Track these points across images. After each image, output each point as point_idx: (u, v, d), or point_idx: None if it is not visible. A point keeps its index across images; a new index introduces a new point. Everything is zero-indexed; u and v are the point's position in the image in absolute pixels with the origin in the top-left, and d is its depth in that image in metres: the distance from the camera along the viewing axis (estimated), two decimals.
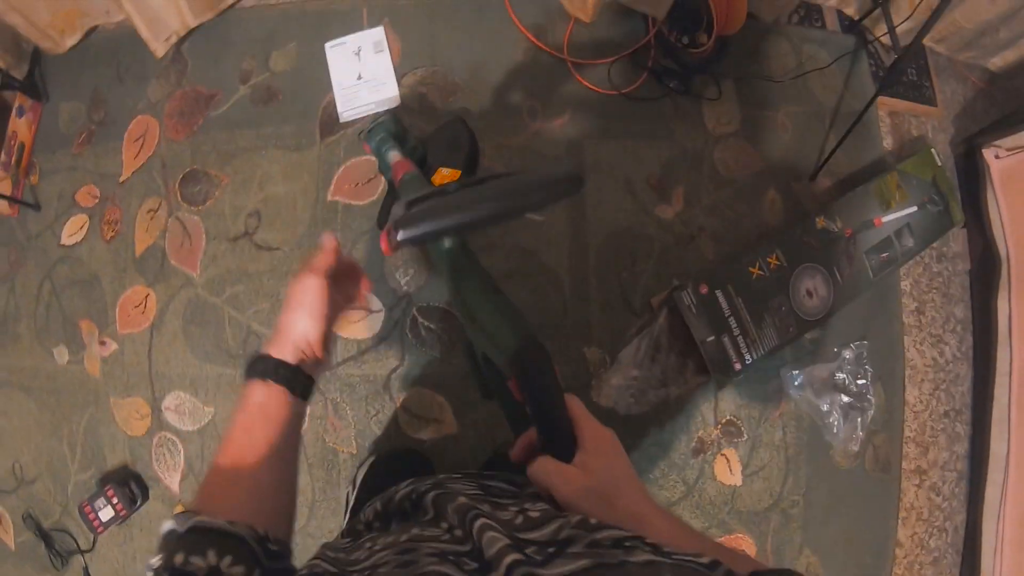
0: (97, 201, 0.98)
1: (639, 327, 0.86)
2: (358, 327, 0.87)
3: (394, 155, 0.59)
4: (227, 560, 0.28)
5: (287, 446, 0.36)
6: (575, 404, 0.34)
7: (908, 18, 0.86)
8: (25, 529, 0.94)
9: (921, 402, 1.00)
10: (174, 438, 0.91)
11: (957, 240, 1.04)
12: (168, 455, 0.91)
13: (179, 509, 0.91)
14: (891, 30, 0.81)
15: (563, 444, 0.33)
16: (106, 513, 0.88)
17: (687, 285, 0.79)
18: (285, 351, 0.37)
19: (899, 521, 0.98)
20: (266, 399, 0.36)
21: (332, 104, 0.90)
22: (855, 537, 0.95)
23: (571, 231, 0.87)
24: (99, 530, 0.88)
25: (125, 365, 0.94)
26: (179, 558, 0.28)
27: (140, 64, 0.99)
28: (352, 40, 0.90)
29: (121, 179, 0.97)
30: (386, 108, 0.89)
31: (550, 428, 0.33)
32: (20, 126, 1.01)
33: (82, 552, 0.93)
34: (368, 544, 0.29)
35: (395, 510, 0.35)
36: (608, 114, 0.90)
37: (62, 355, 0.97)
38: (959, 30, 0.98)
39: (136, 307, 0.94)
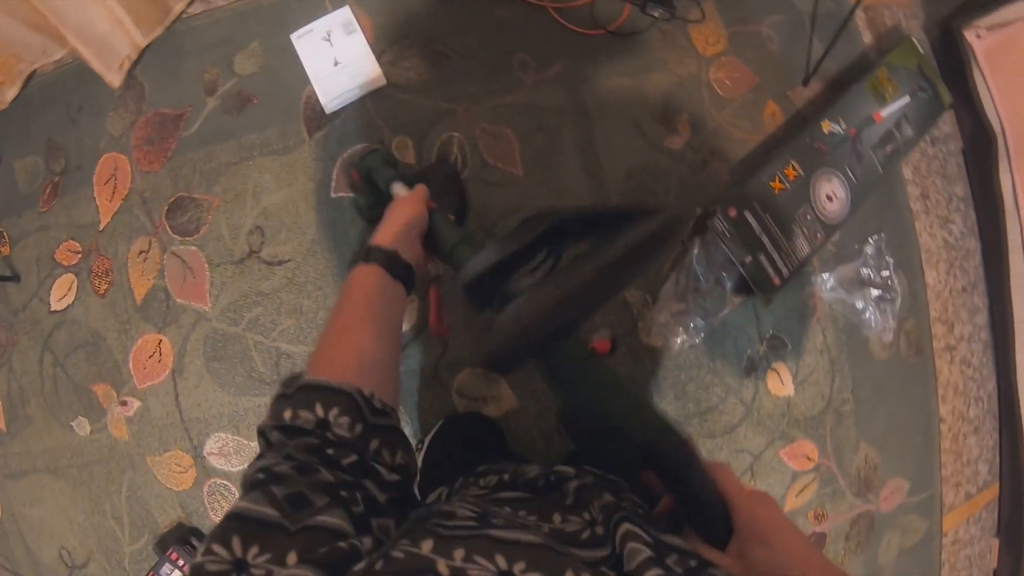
0: (80, 256, 0.91)
1: (674, 261, 0.86)
2: None
3: (399, 188, 0.52)
4: (334, 411, 0.29)
5: (388, 325, 0.37)
6: (728, 479, 0.31)
7: None
8: None
9: (940, 282, 1.04)
10: (225, 482, 0.88)
11: (946, 122, 1.07)
12: (223, 500, 0.88)
13: None
14: None
15: (714, 527, 0.30)
16: None
17: (716, 211, 0.79)
18: (385, 240, 0.41)
19: (939, 399, 1.03)
20: (367, 278, 0.39)
21: (314, 97, 0.85)
22: (903, 422, 1.00)
23: (588, 180, 0.86)
24: None
25: (153, 420, 0.89)
26: (288, 414, 0.28)
27: (91, 100, 0.91)
28: (319, 26, 0.84)
29: (100, 227, 0.90)
30: (371, 91, 0.84)
31: (698, 514, 0.30)
32: None
33: None
34: (507, 507, 0.29)
35: (524, 484, 0.35)
36: (599, 54, 0.88)
37: (83, 427, 0.91)
38: None
39: (150, 357, 0.89)
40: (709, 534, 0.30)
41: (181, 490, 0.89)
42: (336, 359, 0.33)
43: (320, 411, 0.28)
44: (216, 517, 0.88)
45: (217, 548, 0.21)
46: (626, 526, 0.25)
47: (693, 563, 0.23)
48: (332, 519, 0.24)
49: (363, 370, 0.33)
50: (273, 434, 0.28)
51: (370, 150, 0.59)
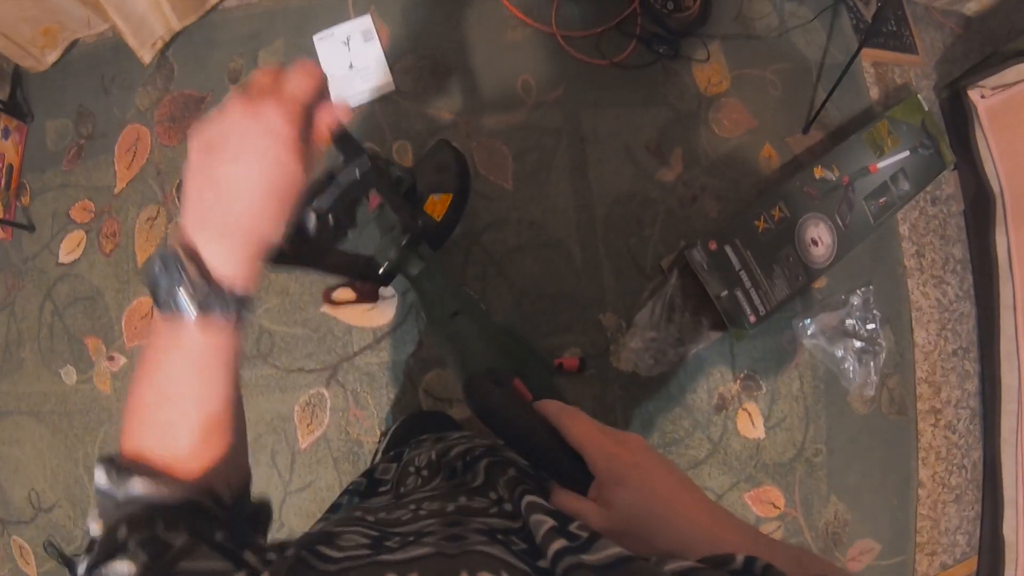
0: (93, 216, 0.97)
1: (652, 289, 0.87)
2: (373, 315, 0.87)
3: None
4: (175, 534, 0.22)
5: (216, 385, 0.24)
6: (575, 424, 0.28)
7: None
8: (48, 558, 0.92)
9: (929, 343, 1.02)
10: None
11: (949, 183, 1.07)
12: None
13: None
14: None
15: (570, 475, 0.27)
16: None
17: (696, 243, 0.80)
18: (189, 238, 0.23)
19: (919, 462, 1.00)
20: (168, 328, 0.23)
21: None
22: (879, 481, 0.97)
23: (576, 202, 0.88)
24: None
25: None
26: (122, 533, 0.22)
27: (125, 74, 0.97)
28: (340, 30, 0.89)
29: (116, 191, 0.96)
30: (380, 96, 0.89)
31: (540, 462, 0.29)
32: (7, 148, 0.99)
33: None
34: (412, 506, 0.28)
35: (447, 464, 0.35)
36: (601, 84, 0.91)
37: (70, 375, 0.95)
38: None
39: (143, 318, 0.93)
40: (565, 482, 0.28)
41: None
42: (172, 446, 0.24)
43: (162, 531, 0.22)
44: None
45: None
46: (528, 498, 0.24)
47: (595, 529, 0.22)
48: (199, 563, 0.21)
49: (211, 463, 0.25)
50: (139, 552, 0.21)
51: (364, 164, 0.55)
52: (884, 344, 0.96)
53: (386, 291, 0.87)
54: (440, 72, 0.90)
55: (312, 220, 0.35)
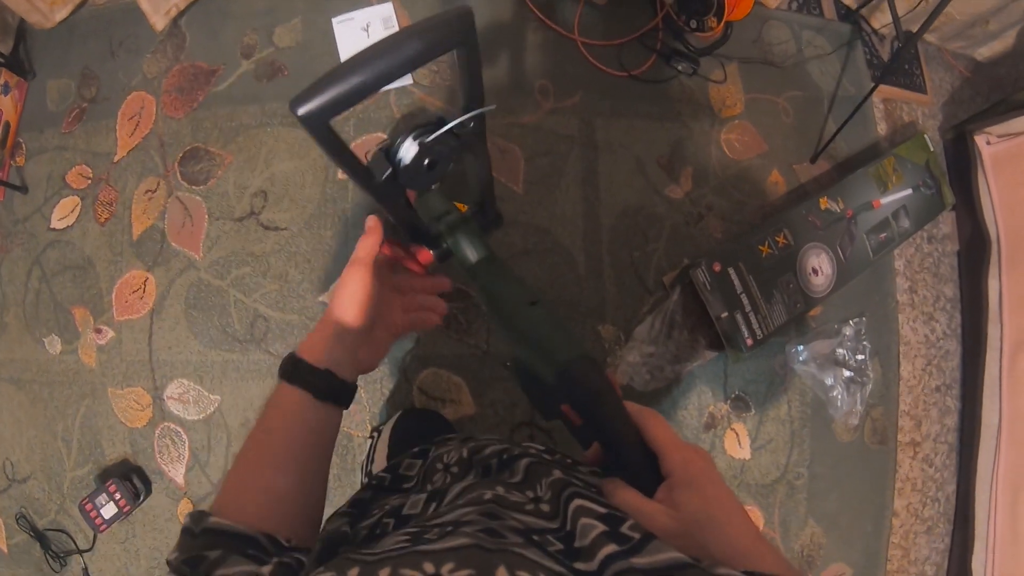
0: (90, 182, 0.94)
1: (652, 304, 0.87)
2: None
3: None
4: (213, 551, 0.27)
5: (311, 459, 0.34)
6: (657, 425, 0.29)
7: (912, 10, 0.89)
8: (19, 530, 0.90)
9: (914, 377, 1.04)
10: (178, 428, 0.88)
11: (946, 222, 1.09)
12: (172, 446, 0.88)
13: (186, 503, 0.88)
14: (895, 20, 0.84)
15: (640, 472, 0.28)
16: (109, 510, 0.84)
17: (701, 263, 0.81)
18: (315, 351, 0.34)
19: (895, 492, 1.02)
20: (289, 403, 0.33)
21: None
22: (855, 508, 0.99)
23: (585, 210, 0.88)
24: (101, 528, 0.84)
25: (123, 354, 0.90)
26: (172, 555, 0.27)
27: (134, 39, 0.95)
28: (360, 15, 0.88)
29: (115, 158, 0.93)
30: (397, 86, 0.88)
31: (621, 455, 0.29)
32: (5, 104, 0.96)
33: (81, 552, 0.89)
34: (448, 496, 0.29)
35: (480, 462, 0.34)
36: (618, 95, 0.91)
37: (54, 345, 0.92)
38: (950, 21, 1.02)
39: (134, 292, 0.91)
40: (632, 478, 0.28)
41: (134, 427, 0.90)
42: (247, 501, 0.31)
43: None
44: (162, 461, 0.89)
45: None
46: (578, 502, 0.25)
47: (648, 530, 0.23)
48: (230, 568, 0.24)
49: (276, 513, 0.31)
50: (182, 568, 0.27)
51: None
52: (872, 375, 0.97)
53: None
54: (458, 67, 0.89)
55: (412, 150, 0.36)
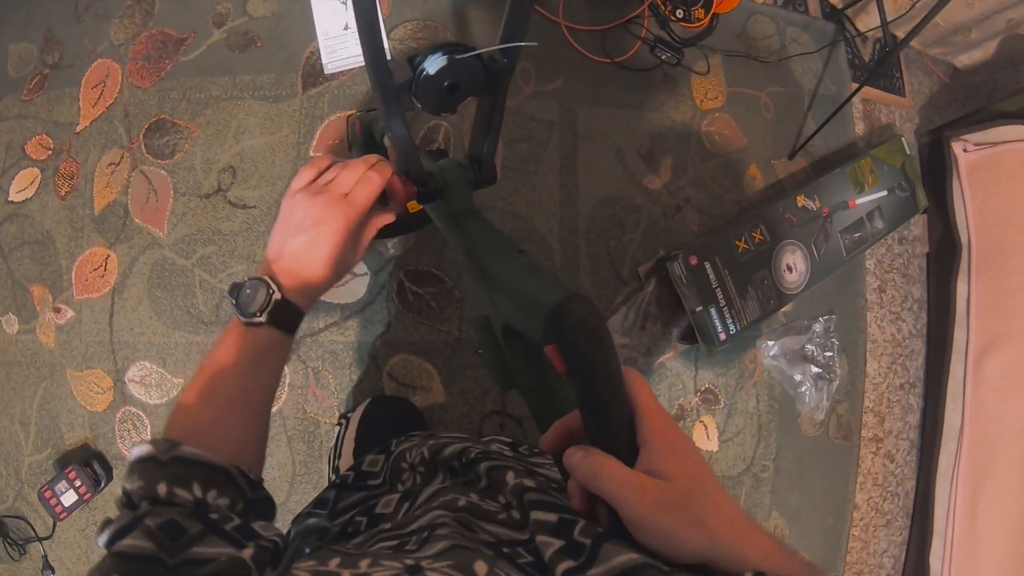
0: (50, 153, 0.90)
1: (626, 295, 0.87)
2: (341, 292, 0.84)
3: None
4: (212, 493, 0.28)
5: (269, 393, 0.35)
6: (641, 384, 0.26)
7: (904, 15, 0.90)
8: None
9: (880, 374, 1.07)
10: (140, 413, 0.86)
11: (917, 224, 1.11)
12: (133, 431, 0.86)
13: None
14: (884, 24, 0.84)
15: (619, 434, 0.24)
16: (68, 497, 0.81)
17: (678, 256, 0.81)
18: (290, 289, 0.34)
19: (857, 486, 1.05)
20: (262, 339, 0.34)
21: (316, 54, 0.85)
22: (818, 500, 1.01)
23: (562, 197, 0.87)
24: (61, 516, 0.82)
25: (83, 334, 0.87)
26: (162, 488, 0.26)
27: (101, 3, 0.90)
28: None
29: (78, 129, 0.89)
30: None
31: (605, 412, 0.24)
32: None
33: (40, 539, 0.86)
34: (422, 498, 0.29)
35: (443, 463, 0.35)
36: (600, 81, 0.90)
37: (11, 324, 0.89)
38: (933, 27, 1.03)
39: (95, 270, 0.87)
40: (613, 444, 0.24)
41: (94, 411, 0.87)
42: (216, 429, 0.31)
43: (198, 491, 0.27)
44: (123, 446, 0.87)
45: None
46: (535, 515, 0.24)
47: (599, 529, 0.23)
48: (210, 548, 0.24)
49: (242, 445, 0.32)
50: (142, 504, 0.26)
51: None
52: (839, 372, 0.99)
53: (358, 268, 0.85)
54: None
55: (439, 63, 0.34)
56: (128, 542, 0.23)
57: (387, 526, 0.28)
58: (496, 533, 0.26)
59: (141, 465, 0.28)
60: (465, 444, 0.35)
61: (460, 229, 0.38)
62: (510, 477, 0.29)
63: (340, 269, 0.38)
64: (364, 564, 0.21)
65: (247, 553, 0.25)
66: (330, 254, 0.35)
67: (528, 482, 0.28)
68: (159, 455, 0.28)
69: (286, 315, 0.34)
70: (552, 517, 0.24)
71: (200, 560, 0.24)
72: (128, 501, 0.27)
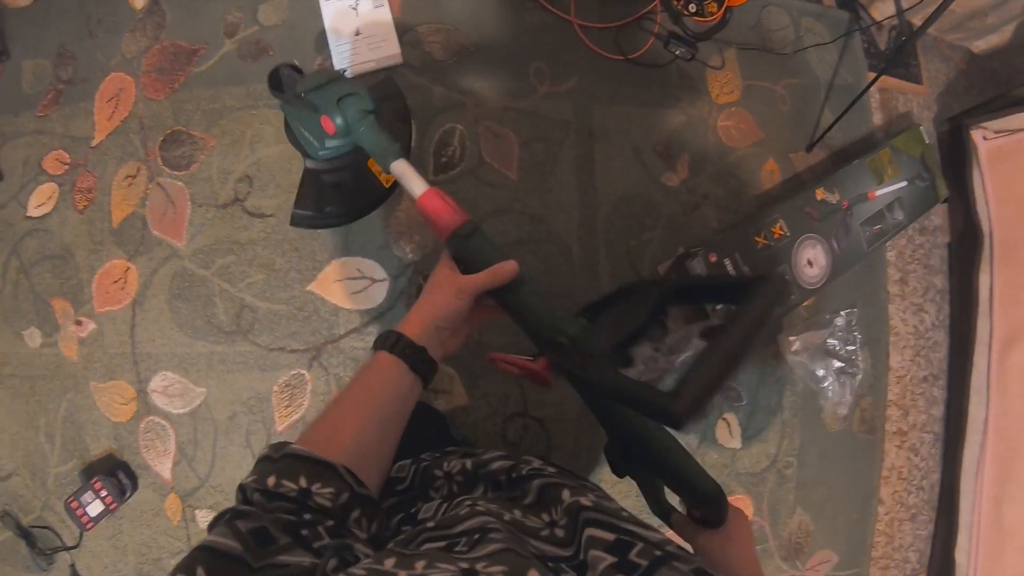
0: (67, 168, 0.90)
1: None
2: (361, 298, 0.84)
3: (401, 166, 0.46)
4: (317, 484, 0.29)
5: (396, 420, 0.37)
6: (743, 523, 0.38)
7: (920, 2, 0.88)
8: (3, 528, 0.88)
9: (903, 367, 1.05)
10: (163, 422, 0.86)
11: (938, 214, 1.09)
12: (158, 440, 0.87)
13: (173, 498, 0.86)
14: (900, 12, 0.82)
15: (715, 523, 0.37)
16: (95, 508, 0.82)
17: (698, 253, 0.80)
18: (414, 332, 0.39)
19: (881, 480, 1.04)
20: (388, 368, 0.37)
21: (328, 61, 0.85)
22: (842, 496, 1.00)
23: (581, 199, 0.86)
24: (88, 526, 0.82)
25: (105, 346, 0.87)
26: (272, 480, 0.29)
27: (112, 16, 0.90)
28: None
29: (94, 143, 0.90)
30: (386, 67, 0.85)
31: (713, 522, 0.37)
32: None
33: (68, 549, 0.87)
34: (468, 502, 0.30)
35: (487, 475, 0.36)
36: (615, 79, 0.89)
37: (34, 338, 0.89)
38: (950, 13, 1.01)
39: (115, 282, 0.88)
40: (696, 504, 0.38)
41: (118, 421, 0.88)
42: (334, 440, 0.33)
43: (303, 482, 0.29)
44: (148, 455, 0.87)
45: None
46: (589, 531, 0.26)
47: (658, 553, 0.24)
48: (294, 558, 0.25)
49: (357, 456, 0.33)
50: (254, 495, 0.29)
51: (330, 78, 0.51)
52: (862, 366, 0.98)
53: (377, 272, 0.85)
54: (451, 49, 0.87)
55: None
56: (216, 539, 0.24)
57: (430, 524, 0.29)
58: (540, 548, 0.26)
59: (257, 464, 0.31)
60: (513, 462, 0.36)
61: (616, 411, 0.41)
62: (566, 495, 0.29)
63: (461, 326, 0.44)
64: (420, 565, 0.21)
65: (331, 564, 0.25)
66: (452, 320, 0.42)
67: (584, 501, 0.29)
68: (272, 453, 0.31)
69: (410, 351, 0.39)
70: (609, 536, 0.25)
71: (282, 565, 0.25)
72: (243, 497, 0.29)
